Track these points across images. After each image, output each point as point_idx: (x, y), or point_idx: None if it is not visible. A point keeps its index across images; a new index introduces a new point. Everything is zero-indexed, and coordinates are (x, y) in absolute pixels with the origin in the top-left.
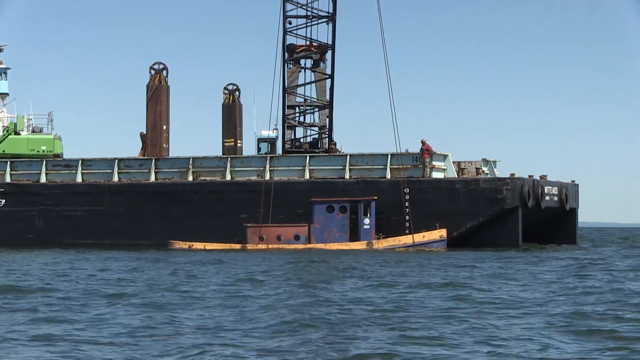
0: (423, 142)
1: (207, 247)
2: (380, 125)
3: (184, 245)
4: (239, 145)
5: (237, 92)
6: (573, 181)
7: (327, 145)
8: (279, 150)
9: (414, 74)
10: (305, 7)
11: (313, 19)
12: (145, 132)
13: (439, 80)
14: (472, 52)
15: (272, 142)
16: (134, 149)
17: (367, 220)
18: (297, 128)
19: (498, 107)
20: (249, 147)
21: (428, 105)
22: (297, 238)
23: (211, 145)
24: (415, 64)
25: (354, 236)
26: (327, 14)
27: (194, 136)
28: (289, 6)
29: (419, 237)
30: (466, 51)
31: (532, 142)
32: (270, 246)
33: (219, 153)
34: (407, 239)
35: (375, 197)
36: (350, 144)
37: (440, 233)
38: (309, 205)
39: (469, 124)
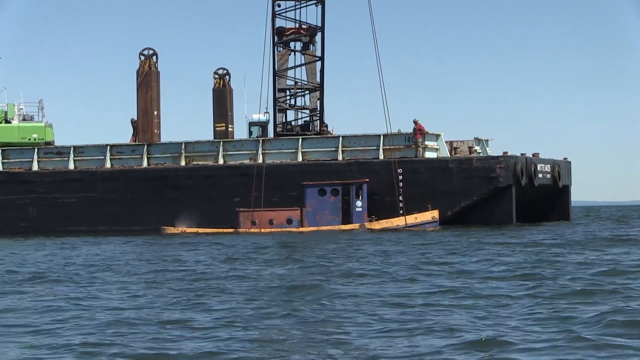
0: (415, 122)
1: (199, 232)
2: (372, 106)
3: (177, 230)
4: (230, 129)
5: (227, 77)
6: (565, 158)
7: (318, 128)
8: (271, 134)
9: (405, 54)
10: None
11: (302, 1)
12: (136, 119)
13: (430, 61)
14: (463, 33)
15: (263, 125)
16: (125, 136)
17: (359, 203)
18: (288, 111)
19: (489, 86)
20: (240, 131)
21: (419, 85)
22: (289, 222)
23: (202, 130)
24: (406, 45)
25: (347, 219)
26: None
27: (185, 121)
28: None
29: (412, 219)
30: (458, 32)
31: (523, 121)
32: (262, 230)
33: (211, 138)
34: (399, 221)
35: (367, 180)
36: (342, 126)
37: (432, 214)
38: (301, 189)
39: (459, 103)
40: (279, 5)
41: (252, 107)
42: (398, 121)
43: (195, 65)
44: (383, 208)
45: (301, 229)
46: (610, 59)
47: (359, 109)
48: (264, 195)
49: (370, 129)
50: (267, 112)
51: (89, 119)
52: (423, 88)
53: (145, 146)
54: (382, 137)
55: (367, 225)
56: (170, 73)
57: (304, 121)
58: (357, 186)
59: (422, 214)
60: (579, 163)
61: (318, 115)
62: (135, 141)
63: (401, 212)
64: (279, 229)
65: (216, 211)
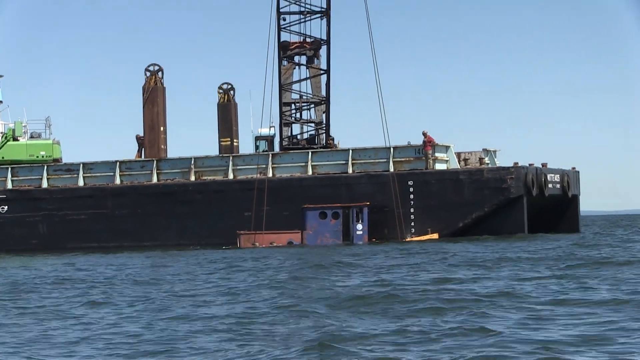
0: (425, 134)
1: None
2: (376, 119)
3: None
4: (235, 144)
5: (231, 92)
6: (574, 168)
7: (324, 141)
8: (277, 148)
9: (409, 65)
10: (298, 3)
11: (307, 15)
12: (140, 135)
13: (435, 72)
14: (467, 44)
15: (269, 139)
16: (130, 152)
17: (359, 226)
18: (293, 125)
19: (494, 97)
20: (245, 146)
21: (424, 97)
22: (290, 244)
23: (208, 144)
24: (410, 56)
25: (348, 242)
26: (321, 9)
27: (190, 136)
28: (282, 2)
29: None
30: (462, 43)
31: (529, 131)
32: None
33: (216, 152)
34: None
35: (368, 203)
36: (347, 139)
37: (432, 237)
38: (302, 212)
39: (465, 115)
40: (284, 19)
41: (258, 121)
42: (405, 133)
43: (200, 80)
44: (394, 220)
45: None
46: (614, 66)
47: (363, 121)
48: (271, 211)
49: (375, 141)
50: (273, 126)
51: (95, 135)
52: (428, 99)
53: (155, 162)
54: (392, 149)
55: None
56: (175, 88)
57: (310, 134)
58: (358, 210)
59: (422, 237)
60: (586, 171)
61: (324, 128)
62: (141, 157)
63: (412, 223)
64: None
65: (227, 225)
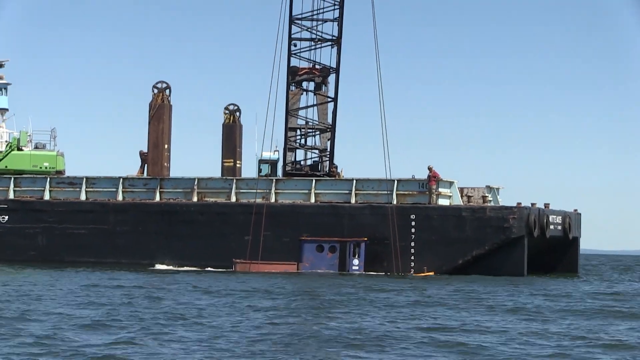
0: (430, 169)
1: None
2: (379, 149)
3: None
4: (238, 165)
5: (237, 113)
6: (575, 210)
7: (328, 169)
8: (279, 172)
9: (416, 99)
10: (310, 30)
11: (318, 42)
12: (144, 151)
13: (438, 105)
14: (474, 81)
15: (272, 163)
16: (132, 167)
17: (356, 261)
18: (297, 150)
19: (497, 133)
20: (248, 168)
21: (427, 130)
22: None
23: (210, 165)
24: (418, 90)
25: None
26: (332, 38)
27: (193, 155)
28: (294, 29)
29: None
30: (469, 80)
31: (532, 169)
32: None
33: (218, 173)
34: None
35: (366, 239)
36: (350, 168)
37: (427, 275)
38: (299, 244)
39: (469, 149)
40: (295, 45)
41: (262, 144)
42: (408, 165)
43: (206, 99)
44: (394, 253)
45: None
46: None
47: (367, 150)
48: (271, 236)
49: (377, 172)
50: (277, 150)
51: (98, 148)
52: (431, 132)
53: (158, 180)
54: (395, 182)
55: None
56: (181, 106)
57: (313, 161)
58: (355, 244)
59: (417, 274)
60: (589, 211)
61: (328, 155)
62: (143, 173)
63: (412, 257)
64: None
65: (226, 247)
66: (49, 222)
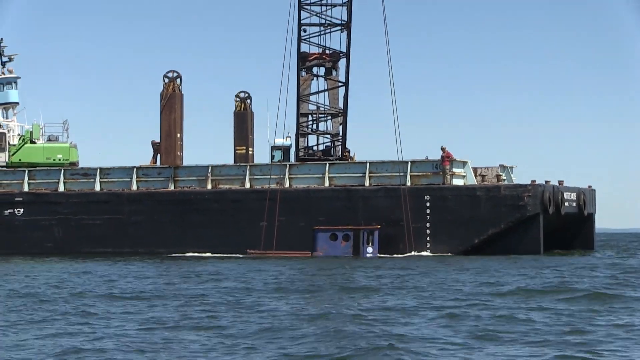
0: (443, 149)
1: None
2: (391, 131)
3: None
4: (250, 152)
5: (248, 100)
6: (590, 186)
7: (340, 153)
8: (292, 158)
9: (428, 80)
10: (319, 15)
11: (327, 27)
12: (156, 141)
13: (449, 85)
14: (487, 62)
15: (285, 150)
16: (145, 157)
17: (369, 249)
18: (310, 136)
19: (508, 111)
20: (260, 155)
21: (439, 111)
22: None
23: (222, 152)
24: (429, 71)
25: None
26: (341, 22)
27: (205, 144)
28: (303, 14)
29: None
30: (482, 61)
31: (547, 146)
32: None
33: (230, 161)
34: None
35: (379, 226)
36: (362, 151)
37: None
38: (312, 233)
39: (482, 129)
40: (304, 30)
41: (274, 130)
42: (421, 146)
43: (217, 87)
44: (409, 235)
45: None
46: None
47: (379, 133)
48: (286, 222)
49: (390, 154)
50: (289, 137)
51: (110, 139)
52: (445, 112)
53: (172, 169)
54: (409, 163)
55: None
56: (192, 95)
57: (326, 146)
58: (369, 232)
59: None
60: (604, 188)
61: (340, 140)
62: (155, 162)
63: (427, 238)
64: None
65: (242, 234)
66: (64, 214)
